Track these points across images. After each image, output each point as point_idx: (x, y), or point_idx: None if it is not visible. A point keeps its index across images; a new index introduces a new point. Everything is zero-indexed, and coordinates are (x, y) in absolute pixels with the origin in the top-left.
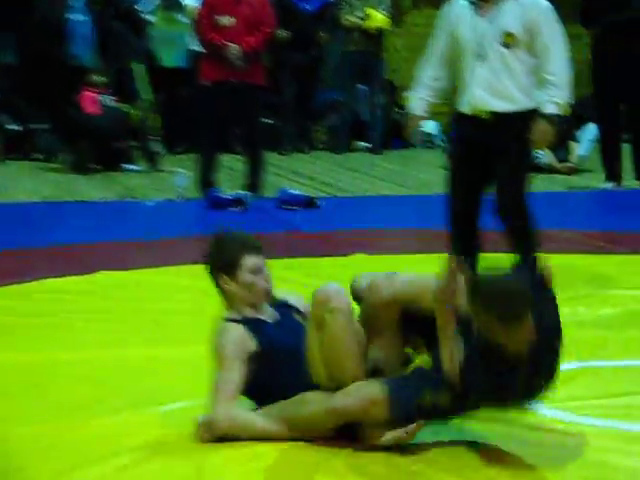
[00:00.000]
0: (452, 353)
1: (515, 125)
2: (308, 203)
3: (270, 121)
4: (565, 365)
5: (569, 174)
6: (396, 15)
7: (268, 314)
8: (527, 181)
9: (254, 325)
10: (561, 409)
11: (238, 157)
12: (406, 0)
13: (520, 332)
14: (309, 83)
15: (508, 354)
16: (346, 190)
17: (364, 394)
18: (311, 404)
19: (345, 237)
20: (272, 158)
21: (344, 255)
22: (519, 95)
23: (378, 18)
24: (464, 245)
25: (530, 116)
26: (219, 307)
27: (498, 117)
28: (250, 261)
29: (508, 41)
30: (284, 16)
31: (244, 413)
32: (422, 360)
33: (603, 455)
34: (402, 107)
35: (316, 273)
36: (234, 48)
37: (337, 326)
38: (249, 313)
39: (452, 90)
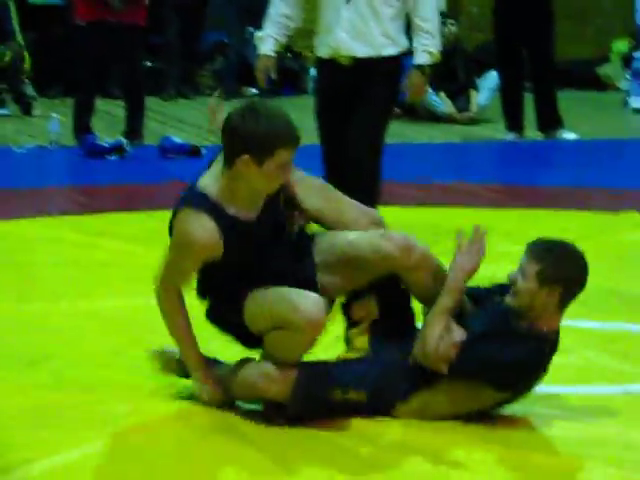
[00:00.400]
0: (441, 333)
1: (377, 71)
2: (192, 152)
3: (151, 64)
4: None
5: (469, 124)
6: None
7: (253, 211)
8: (385, 131)
9: (228, 227)
10: None
11: (117, 102)
12: None
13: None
14: (194, 23)
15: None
16: None
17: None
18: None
19: None
20: (154, 104)
21: None
22: (383, 40)
23: None
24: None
25: (392, 62)
26: (94, 260)
27: (359, 62)
28: (285, 155)
29: None
30: None
31: (179, 306)
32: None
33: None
34: (293, 51)
35: None
36: None
37: None
38: (233, 209)
39: (305, 32)
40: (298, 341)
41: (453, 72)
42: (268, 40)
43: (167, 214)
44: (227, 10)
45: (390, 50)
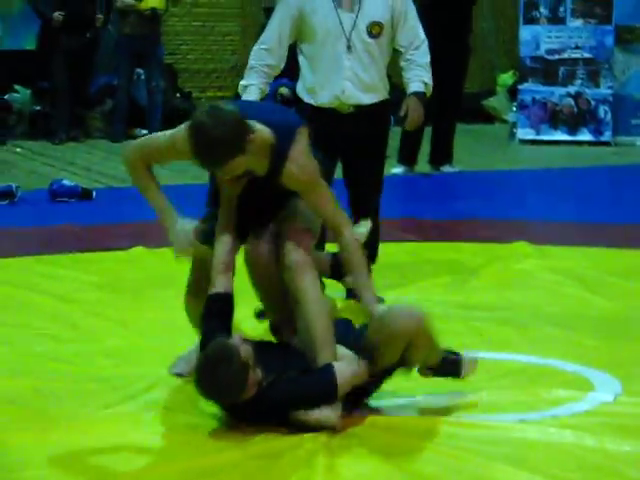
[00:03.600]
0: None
1: (377, 115)
2: (83, 195)
3: (40, 108)
4: None
5: None
6: None
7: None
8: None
9: None
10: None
11: (4, 148)
12: None
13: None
14: (83, 68)
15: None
16: (124, 180)
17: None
18: None
19: (123, 230)
20: (44, 147)
21: (123, 249)
22: (381, 85)
23: None
24: None
25: (387, 105)
26: None
27: (361, 109)
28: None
29: (375, 31)
30: None
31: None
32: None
33: None
34: (182, 92)
35: (94, 269)
36: None
37: None
38: None
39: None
40: None
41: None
42: (253, 89)
43: (58, 258)
44: (118, 54)
45: (385, 94)
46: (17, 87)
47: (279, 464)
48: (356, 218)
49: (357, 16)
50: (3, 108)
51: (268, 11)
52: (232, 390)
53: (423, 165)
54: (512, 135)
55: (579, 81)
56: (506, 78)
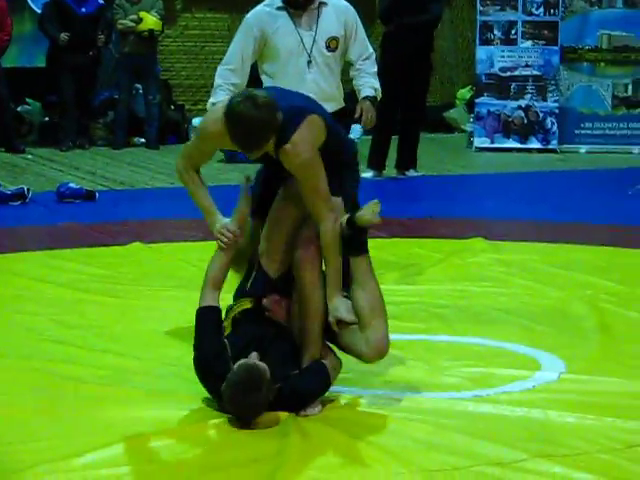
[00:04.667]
0: None
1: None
2: (87, 196)
3: (49, 119)
4: None
5: None
6: (169, 18)
7: None
8: None
9: None
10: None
11: (18, 154)
12: (178, 3)
13: None
14: (88, 82)
15: None
16: (125, 183)
17: None
18: None
19: (122, 228)
20: (53, 154)
21: (123, 245)
22: (338, 94)
23: (150, 21)
24: None
25: (344, 112)
26: None
27: None
28: None
29: (332, 45)
30: (63, 19)
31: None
32: None
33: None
34: (176, 105)
35: (97, 262)
36: None
37: None
38: None
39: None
40: None
41: None
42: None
43: (65, 252)
44: (118, 70)
45: (342, 102)
46: (28, 100)
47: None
48: None
49: (316, 33)
50: (16, 119)
51: None
52: (261, 409)
53: (390, 170)
54: (470, 143)
55: (529, 95)
56: (464, 92)
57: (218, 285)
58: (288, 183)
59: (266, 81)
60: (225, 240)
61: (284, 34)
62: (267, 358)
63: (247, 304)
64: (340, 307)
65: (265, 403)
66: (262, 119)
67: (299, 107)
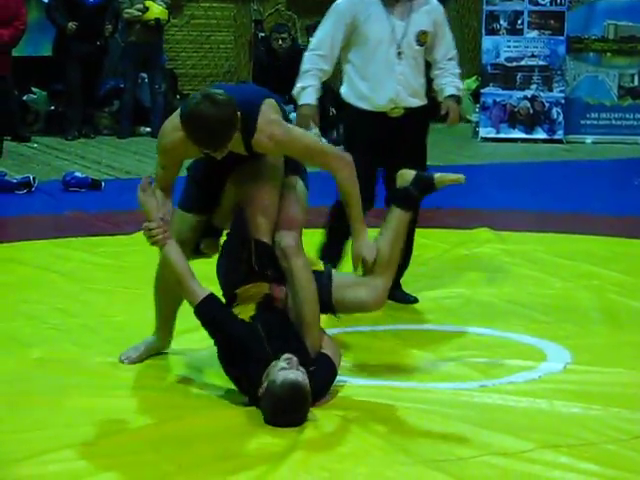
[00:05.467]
0: None
1: (420, 117)
2: (93, 185)
3: (54, 108)
4: None
5: None
6: (175, 7)
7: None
8: None
9: None
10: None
11: (24, 143)
12: None
13: None
14: (94, 72)
15: None
16: (130, 172)
17: None
18: None
19: (128, 217)
20: (58, 143)
21: (128, 234)
22: (422, 90)
23: (156, 10)
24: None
25: (426, 109)
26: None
27: (407, 112)
28: None
29: (423, 39)
30: (71, 8)
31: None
32: None
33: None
34: (182, 94)
35: (102, 252)
36: None
37: None
38: None
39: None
40: None
41: (324, 109)
42: (310, 91)
43: (70, 241)
44: (124, 59)
45: (425, 99)
46: (34, 89)
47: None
48: None
49: (408, 24)
50: (22, 108)
51: (257, 23)
52: (302, 422)
53: None
54: (475, 133)
55: (535, 85)
56: (470, 83)
57: (192, 274)
58: (244, 168)
59: (351, 70)
60: (155, 236)
61: (375, 21)
62: (292, 351)
63: (265, 288)
64: (364, 248)
65: (307, 411)
66: (223, 116)
67: (252, 99)
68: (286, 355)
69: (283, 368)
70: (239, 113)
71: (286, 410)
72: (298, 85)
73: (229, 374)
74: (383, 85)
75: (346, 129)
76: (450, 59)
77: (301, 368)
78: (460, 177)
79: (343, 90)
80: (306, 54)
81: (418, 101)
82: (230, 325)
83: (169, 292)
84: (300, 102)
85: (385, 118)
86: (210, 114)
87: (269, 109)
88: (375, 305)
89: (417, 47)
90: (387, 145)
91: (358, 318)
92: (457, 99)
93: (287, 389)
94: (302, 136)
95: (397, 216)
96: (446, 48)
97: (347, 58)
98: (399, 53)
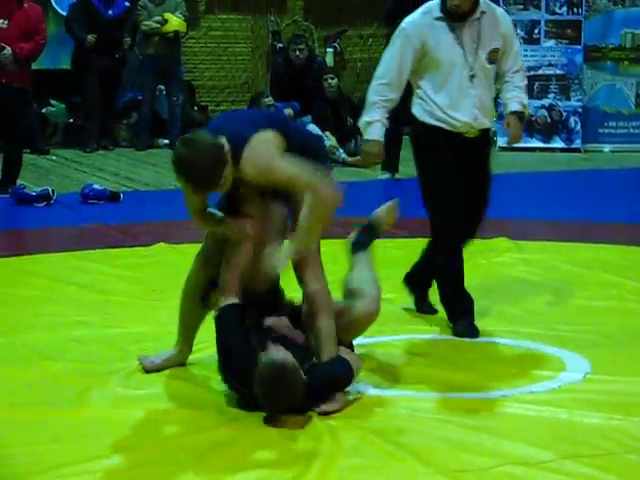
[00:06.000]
0: None
1: (489, 137)
2: (111, 197)
3: (72, 121)
4: None
5: (360, 166)
6: (192, 19)
7: None
8: None
9: None
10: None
11: (43, 155)
12: (201, 5)
13: None
14: (112, 84)
15: None
16: (149, 184)
17: None
18: None
19: (146, 229)
20: (77, 155)
21: (146, 245)
22: (492, 107)
23: (175, 22)
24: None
25: (489, 128)
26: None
27: (480, 132)
28: None
29: (494, 57)
30: (90, 21)
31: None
32: None
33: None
34: (199, 106)
35: (121, 263)
36: (7, 51)
37: None
38: None
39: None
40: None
41: (340, 119)
42: (376, 126)
43: (89, 253)
44: (143, 72)
45: (493, 112)
46: (53, 102)
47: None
48: (470, 232)
49: (478, 45)
50: (41, 120)
51: (275, 34)
52: (298, 397)
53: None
54: (493, 143)
55: (552, 94)
56: None
57: (240, 275)
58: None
59: (422, 95)
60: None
61: (446, 46)
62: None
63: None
64: (276, 259)
65: (299, 389)
66: (204, 159)
67: (244, 131)
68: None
69: (268, 349)
70: (228, 146)
71: (272, 387)
72: (364, 119)
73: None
74: (459, 108)
75: (422, 149)
76: (516, 71)
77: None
78: (393, 204)
79: (415, 110)
80: (372, 84)
81: (488, 121)
82: (235, 338)
83: (195, 302)
84: (365, 137)
85: (462, 138)
86: (191, 160)
87: (259, 142)
88: (369, 313)
89: (489, 66)
90: (464, 165)
91: (375, 330)
92: (520, 115)
93: (268, 365)
94: (285, 167)
95: (358, 257)
96: (513, 60)
97: (418, 84)
98: (472, 76)
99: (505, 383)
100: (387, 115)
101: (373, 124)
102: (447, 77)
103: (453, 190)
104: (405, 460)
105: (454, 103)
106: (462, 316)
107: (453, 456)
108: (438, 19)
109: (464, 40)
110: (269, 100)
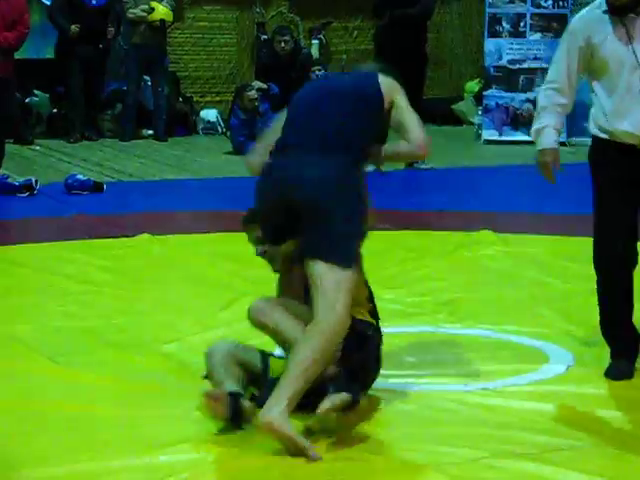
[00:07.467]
0: None
1: None
2: (95, 188)
3: (56, 110)
4: None
5: None
6: (177, 10)
7: None
8: None
9: None
10: None
11: (27, 145)
12: None
13: None
14: (96, 74)
15: None
16: (133, 175)
17: None
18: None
19: (130, 220)
20: (61, 145)
21: (130, 236)
22: None
23: (161, 11)
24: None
25: None
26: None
27: None
28: None
29: None
30: (73, 11)
31: None
32: None
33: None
34: (184, 97)
35: (104, 254)
36: None
37: None
38: None
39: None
40: None
41: None
42: (550, 132)
43: (72, 244)
44: (127, 62)
45: None
46: (36, 92)
47: None
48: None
49: None
50: (24, 110)
51: (260, 26)
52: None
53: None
54: (478, 136)
55: (537, 88)
56: (472, 85)
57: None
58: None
59: (596, 102)
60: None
61: (613, 44)
62: None
63: None
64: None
65: None
66: None
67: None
68: None
69: None
70: None
71: None
72: (535, 126)
73: None
74: (625, 117)
75: (592, 166)
76: None
77: None
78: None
79: (590, 119)
80: (541, 88)
81: None
82: None
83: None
84: (538, 147)
85: (636, 152)
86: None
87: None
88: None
89: None
90: (628, 181)
91: None
92: None
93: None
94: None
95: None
96: None
97: (592, 88)
98: None
99: (487, 375)
100: (560, 120)
101: (543, 130)
102: (614, 80)
103: (615, 218)
104: (389, 453)
105: (620, 110)
106: (618, 355)
107: (437, 448)
108: (606, 12)
109: (633, 35)
110: (253, 94)
